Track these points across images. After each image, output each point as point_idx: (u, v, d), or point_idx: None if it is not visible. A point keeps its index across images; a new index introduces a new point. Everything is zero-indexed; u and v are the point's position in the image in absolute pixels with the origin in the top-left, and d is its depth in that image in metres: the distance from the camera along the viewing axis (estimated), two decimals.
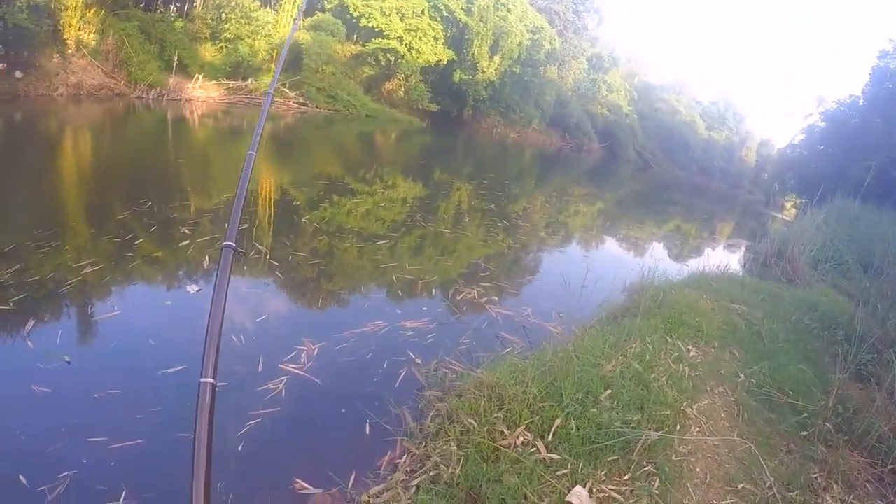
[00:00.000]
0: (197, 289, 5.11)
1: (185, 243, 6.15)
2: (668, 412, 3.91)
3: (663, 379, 4.35)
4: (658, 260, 9.85)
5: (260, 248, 6.58)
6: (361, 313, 5.32)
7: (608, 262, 9.98)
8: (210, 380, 1.14)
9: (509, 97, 34.66)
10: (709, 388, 4.59)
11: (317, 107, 23.50)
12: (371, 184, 12.53)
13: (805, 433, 4.22)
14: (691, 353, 5.12)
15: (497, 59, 32.35)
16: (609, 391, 3.90)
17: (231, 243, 0.94)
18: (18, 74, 12.51)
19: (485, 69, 31.77)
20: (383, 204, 10.62)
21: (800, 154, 33.04)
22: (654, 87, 59.86)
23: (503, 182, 17.55)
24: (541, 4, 40.46)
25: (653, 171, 45.97)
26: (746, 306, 6.98)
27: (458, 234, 9.23)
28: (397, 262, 7.06)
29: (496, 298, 6.28)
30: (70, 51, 14.15)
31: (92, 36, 14.69)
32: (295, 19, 16.88)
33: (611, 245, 12.50)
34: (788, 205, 37.20)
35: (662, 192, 32.75)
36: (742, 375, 4.97)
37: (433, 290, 6.31)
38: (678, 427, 3.87)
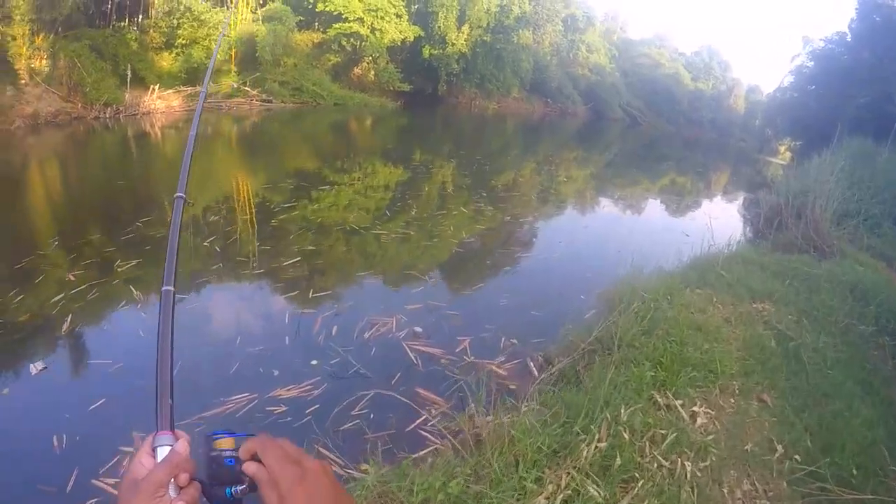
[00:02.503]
0: (42, 367, 4.30)
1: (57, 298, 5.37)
2: None
3: None
4: (652, 232, 10.66)
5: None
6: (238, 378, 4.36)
7: (600, 238, 10.19)
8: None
9: (483, 67, 35.26)
10: (727, 490, 3.14)
11: (282, 102, 24.13)
12: (349, 173, 13.11)
13: None
14: (699, 422, 3.61)
15: (465, 29, 32.90)
16: None
17: (169, 287, 1.10)
18: None
19: (454, 41, 32.31)
20: (364, 193, 11.28)
21: (790, 97, 34.23)
22: (634, 42, 61.55)
23: (487, 156, 18.18)
24: None
25: (641, 128, 47.00)
26: (772, 303, 5.73)
27: (438, 219, 9.62)
28: (373, 258, 7.64)
29: (419, 329, 5.26)
30: (23, 81, 14.63)
31: (44, 62, 15.19)
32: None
33: (606, 212, 13.12)
34: (783, 149, 38.29)
35: (653, 148, 33.68)
36: (780, 447, 3.51)
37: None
38: None
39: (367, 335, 5.11)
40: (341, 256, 7.67)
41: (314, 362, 4.59)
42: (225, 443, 0.97)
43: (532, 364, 4.76)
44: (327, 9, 27.10)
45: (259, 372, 4.41)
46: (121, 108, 17.41)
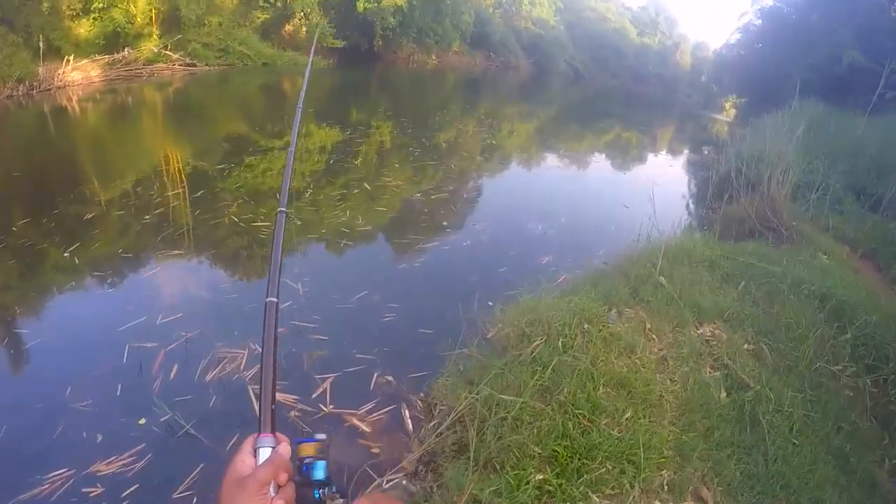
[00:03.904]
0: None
1: None
2: None
3: None
4: (593, 198, 11.20)
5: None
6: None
7: (533, 211, 9.73)
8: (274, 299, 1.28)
9: (421, 20, 35.20)
10: None
11: (206, 65, 23.74)
12: (282, 137, 13.31)
13: None
14: None
15: None
16: None
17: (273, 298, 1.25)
18: None
19: None
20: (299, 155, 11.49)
21: (737, 54, 35.35)
22: None
23: (426, 113, 18.49)
24: None
25: (586, 82, 48.24)
26: (724, 325, 4.70)
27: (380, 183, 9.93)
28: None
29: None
30: None
31: None
32: None
33: (547, 173, 13.68)
34: (727, 105, 40.08)
35: (598, 102, 34.82)
36: None
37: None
38: None
39: (209, 376, 4.36)
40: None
41: (142, 421, 3.90)
42: (307, 448, 1.15)
43: (407, 413, 3.95)
44: None
45: (82, 437, 3.75)
46: (34, 84, 16.90)
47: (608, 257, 6.62)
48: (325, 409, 4.06)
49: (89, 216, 7.41)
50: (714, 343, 4.45)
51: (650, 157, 18.18)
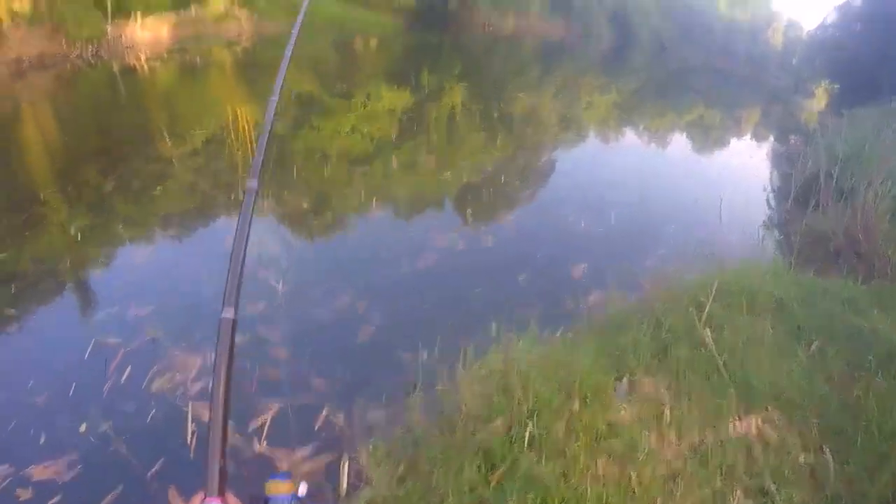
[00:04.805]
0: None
1: None
2: None
3: None
4: (664, 188, 9.60)
5: None
6: None
7: (596, 201, 8.91)
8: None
9: None
10: None
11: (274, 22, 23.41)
12: (350, 98, 13.11)
13: None
14: None
15: None
16: None
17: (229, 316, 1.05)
18: None
19: None
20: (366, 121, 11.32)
21: (832, 35, 31.97)
22: None
23: (502, 80, 17.71)
24: None
25: (670, 55, 44.99)
26: (777, 410, 3.40)
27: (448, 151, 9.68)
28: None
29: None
30: (5, 25, 14.53)
31: (25, 2, 14.97)
32: None
33: (622, 152, 12.51)
34: (819, 91, 36.43)
35: (682, 77, 32.59)
36: None
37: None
38: None
39: (156, 385, 4.12)
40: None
41: (82, 428, 3.77)
42: (278, 486, 1.06)
43: (346, 468, 3.23)
44: None
45: (29, 434, 3.74)
46: (103, 43, 17.26)
47: (653, 275, 5.45)
48: (257, 447, 3.59)
49: (153, 176, 7.93)
50: (758, 450, 3.09)
51: (732, 141, 16.72)
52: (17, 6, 14.93)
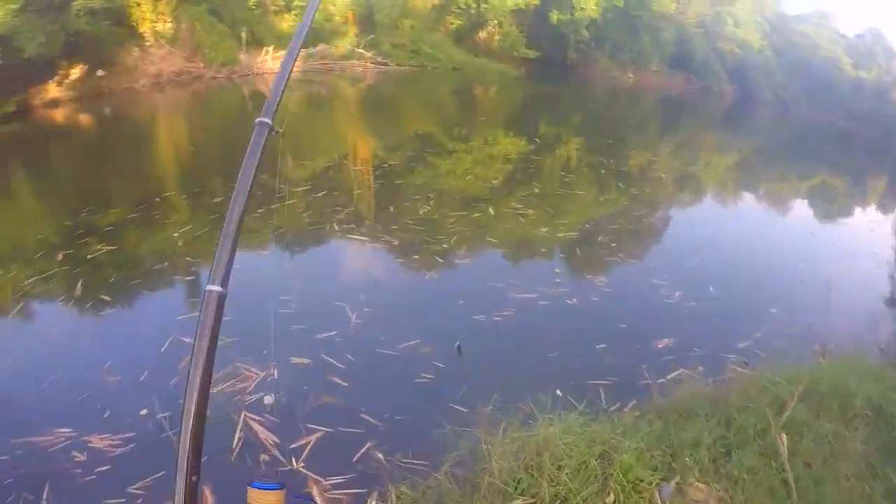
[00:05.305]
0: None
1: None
2: None
3: None
4: (779, 257, 8.66)
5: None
6: None
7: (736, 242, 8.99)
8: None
9: (616, 36, 33.47)
10: None
11: (397, 64, 24.50)
12: (468, 141, 13.40)
13: None
14: None
15: None
16: None
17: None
18: (100, 73, 14.76)
19: (583, 6, 30.81)
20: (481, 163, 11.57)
21: None
22: (789, 18, 55.54)
23: (619, 133, 17.48)
24: None
25: (792, 115, 42.60)
26: None
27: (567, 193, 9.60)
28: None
29: (270, 400, 4.16)
30: (148, 43, 16.34)
31: (168, 25, 16.80)
32: None
33: (738, 214, 11.79)
34: None
35: (804, 139, 30.66)
36: None
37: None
38: None
39: (215, 389, 4.15)
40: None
41: (143, 411, 4.07)
42: (261, 498, 1.02)
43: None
44: None
45: (96, 407, 4.13)
46: (236, 69, 18.79)
47: (739, 360, 5.01)
48: (294, 463, 3.68)
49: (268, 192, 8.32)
50: None
51: (856, 212, 15.37)
52: (161, 27, 16.72)
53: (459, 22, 28.25)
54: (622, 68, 35.46)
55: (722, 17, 43.44)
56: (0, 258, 6.44)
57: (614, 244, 7.94)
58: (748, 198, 13.56)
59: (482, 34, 29.50)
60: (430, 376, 4.61)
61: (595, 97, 29.33)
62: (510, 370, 4.73)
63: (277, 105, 1.60)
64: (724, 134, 25.48)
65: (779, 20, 52.44)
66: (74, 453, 3.72)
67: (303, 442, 3.82)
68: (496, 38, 29.48)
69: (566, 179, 10.83)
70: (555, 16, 30.52)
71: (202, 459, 1.16)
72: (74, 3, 13.58)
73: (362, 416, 4.11)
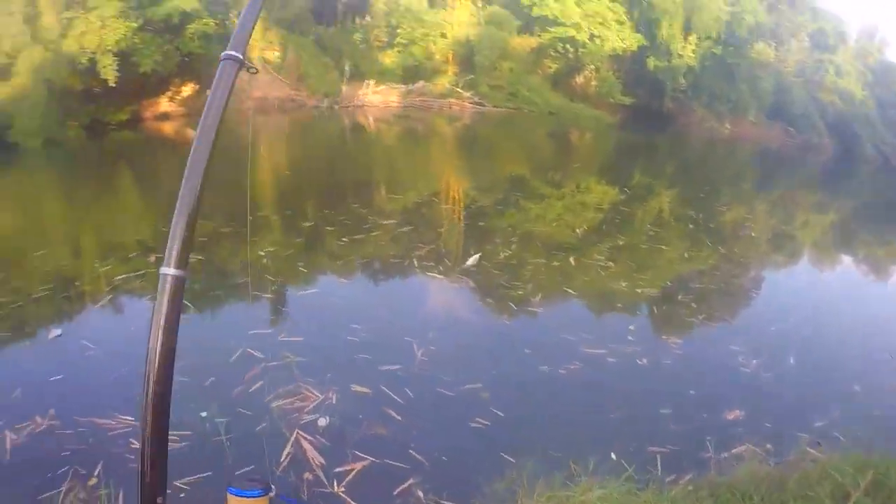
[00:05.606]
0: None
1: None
2: None
3: None
4: (852, 332, 7.56)
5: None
6: None
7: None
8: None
9: (713, 84, 32.45)
10: None
11: (494, 106, 24.84)
12: (561, 187, 13.41)
13: None
14: None
15: (692, 39, 30.55)
16: None
17: None
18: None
19: (680, 52, 30.27)
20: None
21: None
22: (894, 67, 51.14)
23: (714, 186, 16.91)
24: None
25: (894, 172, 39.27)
26: None
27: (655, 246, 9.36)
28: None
29: (324, 422, 4.26)
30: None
31: (276, 54, 17.94)
32: None
33: (826, 279, 10.83)
34: None
35: None
36: None
37: None
38: None
39: (275, 403, 4.41)
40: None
41: (203, 413, 4.22)
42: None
43: None
44: (543, 13, 26.90)
45: None
46: (338, 100, 19.71)
47: (809, 441, 4.48)
48: (335, 487, 3.68)
49: (357, 220, 9.02)
50: None
51: None
52: (269, 55, 17.91)
53: (557, 66, 28.36)
54: (719, 118, 34.28)
55: (823, 66, 40.96)
56: (100, 251, 7.05)
57: (695, 304, 7.48)
58: (844, 262, 12.59)
59: (579, 79, 29.50)
60: (485, 422, 4.44)
61: (690, 147, 28.56)
62: (567, 425, 4.52)
63: (248, 38, 1.43)
64: (823, 191, 23.98)
65: (882, 69, 48.43)
66: (131, 440, 3.93)
67: (348, 467, 3.84)
68: (593, 83, 29.39)
69: (653, 233, 10.39)
70: (652, 62, 30.11)
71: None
72: (189, 26, 14.80)
73: (410, 451, 4.05)
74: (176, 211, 1.10)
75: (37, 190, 11.03)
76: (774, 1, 37.40)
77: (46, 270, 6.78)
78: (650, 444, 4.23)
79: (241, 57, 1.32)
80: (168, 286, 1.00)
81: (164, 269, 1.05)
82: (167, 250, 1.06)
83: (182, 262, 1.05)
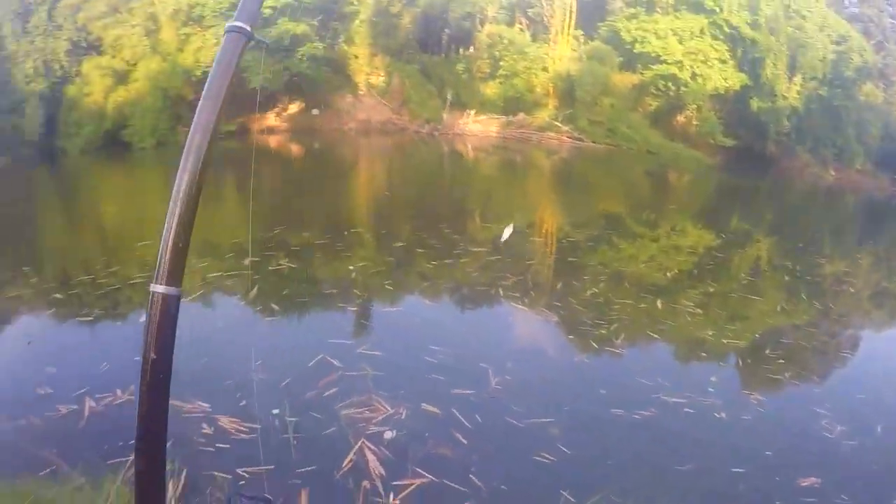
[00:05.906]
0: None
1: None
2: None
3: None
4: None
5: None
6: None
7: None
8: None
9: (818, 127, 29.97)
10: None
11: (593, 141, 24.49)
12: (655, 228, 13.16)
13: None
14: None
15: (798, 80, 28.73)
16: None
17: None
18: (315, 112, 16.87)
19: (784, 94, 28.50)
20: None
21: None
22: None
23: (816, 236, 15.97)
24: (850, 11, 33.96)
25: None
26: None
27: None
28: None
29: (390, 435, 4.38)
30: (361, 92, 18.38)
31: (380, 79, 18.75)
32: None
33: None
34: None
35: None
36: None
37: None
38: None
39: (344, 412, 4.59)
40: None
41: (275, 411, 4.44)
42: None
43: None
44: (645, 50, 26.28)
45: (235, 396, 4.62)
46: (438, 127, 20.21)
47: None
48: (391, 499, 3.75)
49: (449, 244, 9.36)
50: None
51: None
52: (374, 80, 18.74)
53: (657, 103, 27.61)
54: (823, 164, 31.74)
55: None
56: (199, 250, 7.56)
57: (783, 361, 6.97)
58: None
59: (680, 118, 28.57)
60: (551, 458, 4.34)
61: (792, 194, 26.92)
62: (634, 471, 4.36)
63: (258, 9, 1.25)
64: None
65: None
66: (204, 425, 4.24)
67: (407, 482, 3.87)
68: (693, 122, 28.35)
69: (746, 282, 9.84)
70: (755, 103, 28.36)
71: None
72: (300, 48, 15.76)
73: (471, 475, 4.02)
74: (167, 217, 0.96)
75: (145, 186, 12.03)
76: (882, 39, 34.61)
77: (146, 260, 7.30)
78: (718, 502, 4.03)
79: (248, 29, 1.12)
80: (158, 305, 0.87)
81: (153, 287, 0.90)
82: (157, 264, 0.92)
83: (175, 279, 0.91)
